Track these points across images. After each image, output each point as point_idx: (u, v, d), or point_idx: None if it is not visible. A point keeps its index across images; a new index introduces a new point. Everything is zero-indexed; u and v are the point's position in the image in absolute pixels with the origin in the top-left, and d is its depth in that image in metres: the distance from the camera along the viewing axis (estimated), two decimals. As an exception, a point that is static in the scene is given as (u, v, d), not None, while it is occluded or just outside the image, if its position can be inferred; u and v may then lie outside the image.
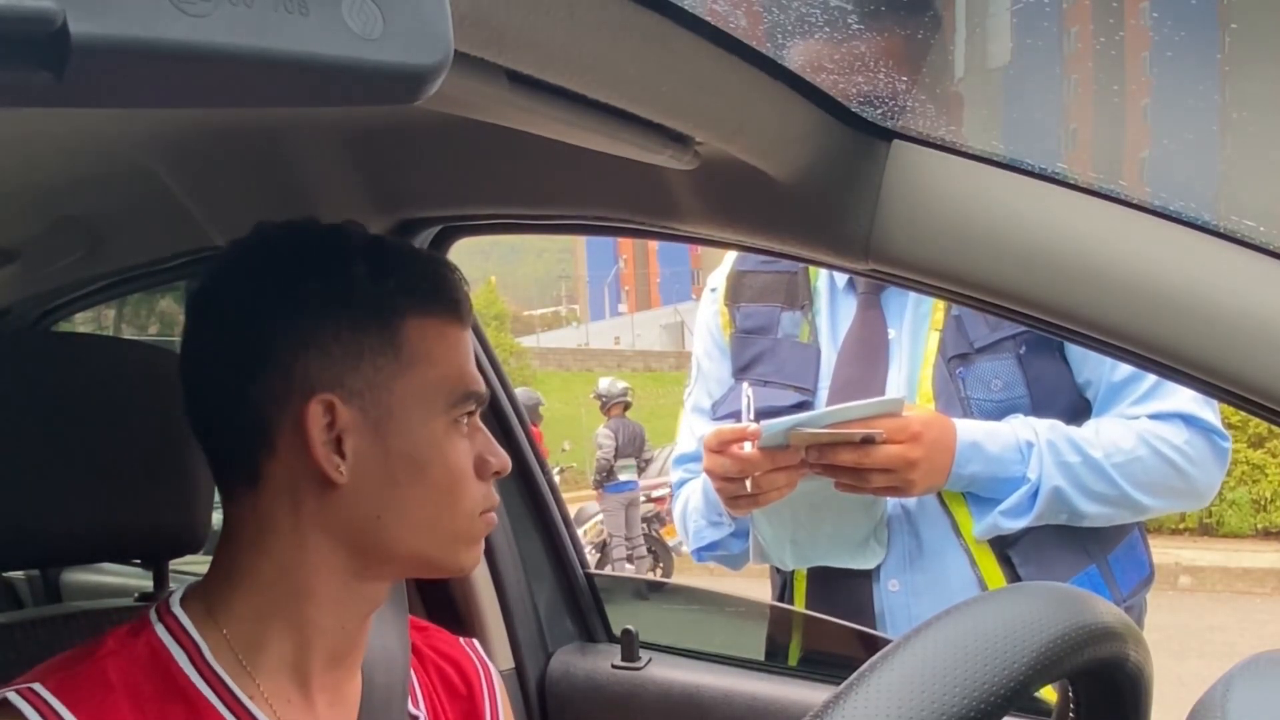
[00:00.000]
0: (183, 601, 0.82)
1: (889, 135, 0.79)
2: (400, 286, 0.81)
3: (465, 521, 0.83)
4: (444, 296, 0.83)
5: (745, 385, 1.43)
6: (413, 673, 0.94)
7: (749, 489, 1.32)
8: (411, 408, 0.80)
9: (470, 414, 0.84)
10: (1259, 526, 8.66)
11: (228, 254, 0.84)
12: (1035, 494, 1.32)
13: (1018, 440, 1.33)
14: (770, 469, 1.31)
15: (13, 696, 0.74)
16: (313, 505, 0.79)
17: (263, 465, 0.79)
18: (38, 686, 0.75)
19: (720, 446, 1.34)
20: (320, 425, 0.78)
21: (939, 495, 1.37)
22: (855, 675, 0.53)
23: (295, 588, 0.80)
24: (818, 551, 1.43)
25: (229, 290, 0.81)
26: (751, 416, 1.37)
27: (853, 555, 1.40)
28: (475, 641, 1.02)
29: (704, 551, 1.55)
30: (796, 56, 0.74)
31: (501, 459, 0.85)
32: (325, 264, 0.81)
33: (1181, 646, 5.68)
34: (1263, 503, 8.66)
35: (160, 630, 0.80)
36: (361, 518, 0.80)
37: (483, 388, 0.85)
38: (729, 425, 1.36)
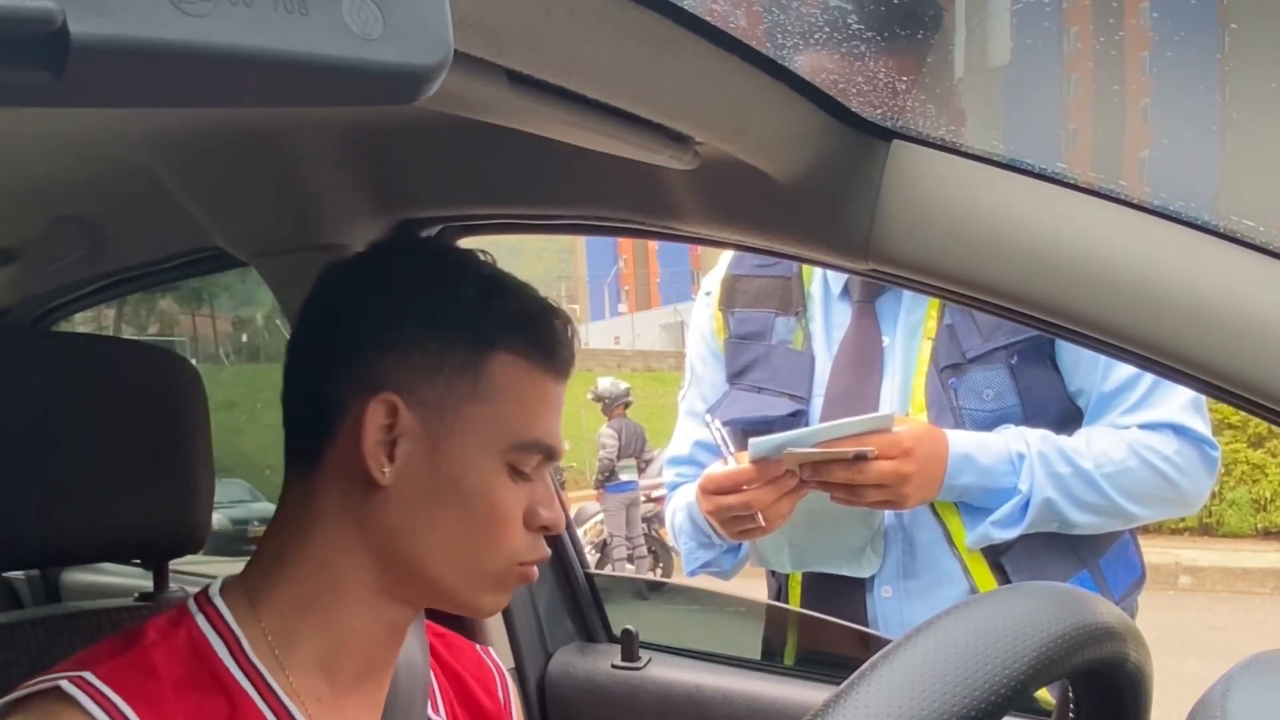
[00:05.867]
0: (223, 591, 0.82)
1: (889, 135, 0.79)
2: (504, 320, 0.82)
3: (497, 563, 0.82)
4: (544, 344, 0.83)
5: (714, 420, 1.43)
6: (433, 677, 0.94)
7: (761, 521, 1.33)
8: (472, 435, 0.80)
9: (536, 467, 0.83)
10: (1259, 526, 8.67)
11: (361, 253, 0.88)
12: (1026, 505, 1.33)
13: (1009, 452, 1.33)
14: (775, 498, 1.32)
15: (66, 684, 0.73)
16: (356, 500, 0.80)
17: (321, 448, 0.81)
18: (89, 675, 0.73)
19: (719, 490, 1.35)
20: (378, 423, 0.79)
21: (931, 504, 1.37)
22: (855, 675, 0.53)
23: (330, 583, 0.81)
24: (815, 557, 1.44)
25: (345, 283, 0.85)
26: (732, 450, 1.37)
27: (849, 563, 1.41)
28: (490, 649, 1.03)
29: (698, 569, 1.57)
30: (796, 56, 0.74)
31: (554, 516, 0.85)
32: (438, 276, 0.83)
33: (1181, 646, 5.68)
34: (1263, 503, 8.66)
35: (200, 620, 0.80)
36: (395, 526, 0.80)
37: (559, 447, 0.84)
38: (719, 471, 1.37)
